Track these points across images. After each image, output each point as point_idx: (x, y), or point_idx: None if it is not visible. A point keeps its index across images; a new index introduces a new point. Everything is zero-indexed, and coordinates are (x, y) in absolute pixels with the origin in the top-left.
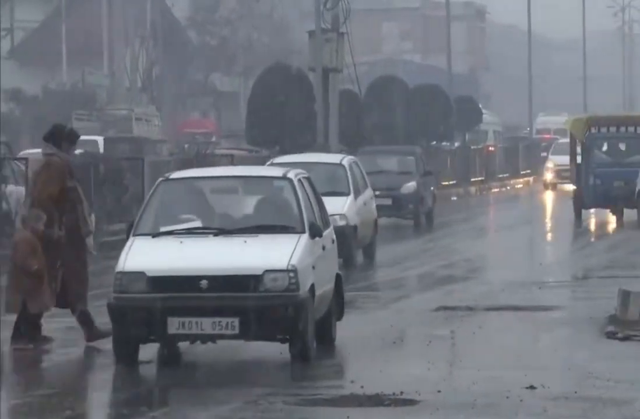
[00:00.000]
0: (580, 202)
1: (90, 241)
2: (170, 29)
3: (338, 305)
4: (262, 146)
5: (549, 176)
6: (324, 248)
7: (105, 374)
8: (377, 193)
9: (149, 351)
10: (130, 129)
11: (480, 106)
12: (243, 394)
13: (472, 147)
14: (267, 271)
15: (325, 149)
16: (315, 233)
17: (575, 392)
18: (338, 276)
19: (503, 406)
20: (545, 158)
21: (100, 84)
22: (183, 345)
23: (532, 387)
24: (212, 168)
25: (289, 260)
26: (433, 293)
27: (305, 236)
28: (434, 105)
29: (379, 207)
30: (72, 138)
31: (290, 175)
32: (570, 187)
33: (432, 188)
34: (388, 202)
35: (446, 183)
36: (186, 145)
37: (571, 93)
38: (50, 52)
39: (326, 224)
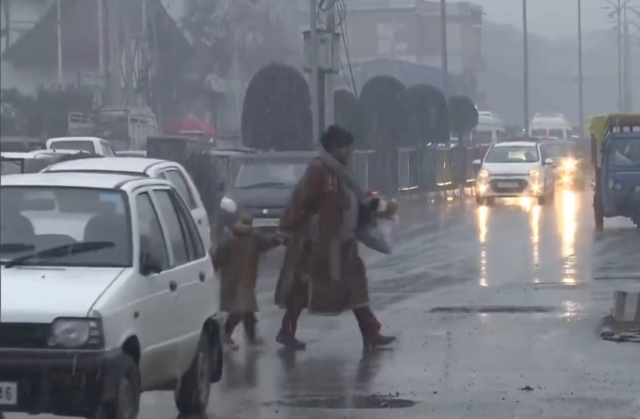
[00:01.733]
0: (602, 210)
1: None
2: (166, 30)
3: (211, 362)
4: (257, 147)
5: (482, 188)
6: (173, 287)
7: None
8: (265, 211)
9: None
10: (126, 130)
11: (475, 107)
12: (238, 395)
13: (468, 148)
14: (59, 318)
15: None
16: (148, 267)
17: (572, 393)
18: (212, 324)
19: (499, 407)
20: (478, 166)
21: (96, 85)
22: None
23: (528, 388)
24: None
25: (92, 305)
26: (428, 294)
27: (130, 272)
28: (429, 105)
29: (265, 229)
30: (344, 142)
31: (126, 187)
32: (514, 202)
33: None
34: (276, 223)
35: (441, 184)
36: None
37: (566, 94)
38: (45, 53)
39: (194, 254)
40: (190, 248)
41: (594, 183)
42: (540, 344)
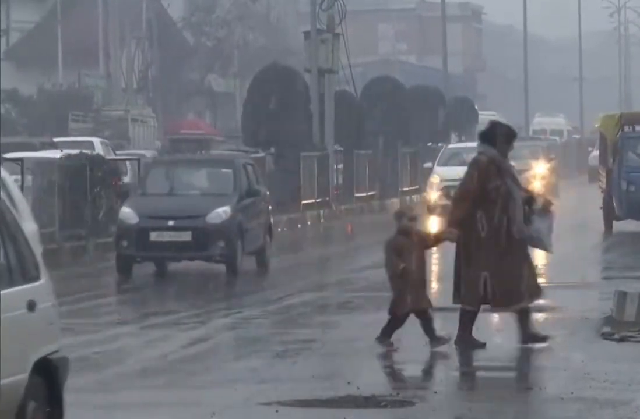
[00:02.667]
0: (611, 212)
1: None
2: (166, 30)
3: (46, 413)
4: (258, 147)
5: (433, 196)
6: None
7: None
8: (171, 223)
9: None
10: (126, 130)
11: (476, 107)
12: (238, 395)
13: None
14: None
15: (322, 149)
16: None
17: (572, 393)
18: (48, 365)
19: (498, 407)
20: (429, 170)
21: (96, 85)
22: (178, 345)
23: (528, 388)
24: None
25: None
26: (428, 294)
27: None
28: (429, 106)
29: (171, 244)
30: (508, 137)
31: None
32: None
33: (263, 216)
34: (186, 237)
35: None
36: (183, 146)
37: (567, 94)
38: (46, 53)
39: (21, 278)
40: (15, 270)
41: (603, 185)
42: (540, 344)
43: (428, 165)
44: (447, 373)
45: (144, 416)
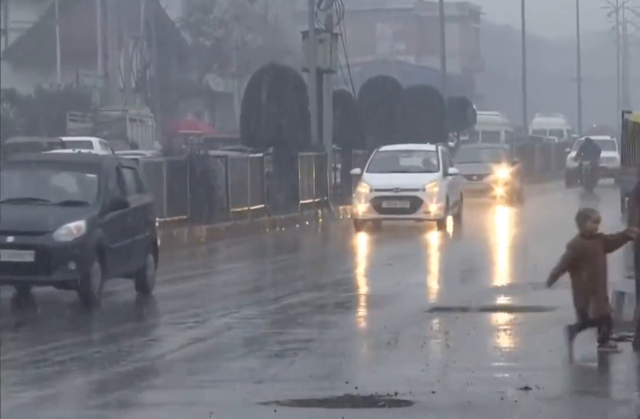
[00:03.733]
0: None
1: None
2: (164, 30)
3: None
4: (256, 147)
5: (361, 208)
6: None
7: None
8: (10, 239)
9: None
10: (124, 130)
11: (474, 107)
12: (236, 394)
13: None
14: None
15: (320, 149)
16: None
17: (570, 393)
18: None
19: (497, 407)
20: (357, 178)
21: (94, 85)
22: (177, 343)
23: (526, 388)
24: None
25: None
26: (427, 294)
27: None
28: (427, 105)
29: (9, 265)
30: None
31: None
32: (405, 226)
33: (143, 231)
34: (28, 257)
35: None
36: (183, 146)
37: (565, 94)
38: (44, 53)
39: None
40: None
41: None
42: (539, 343)
43: (356, 171)
44: (445, 373)
45: (143, 416)
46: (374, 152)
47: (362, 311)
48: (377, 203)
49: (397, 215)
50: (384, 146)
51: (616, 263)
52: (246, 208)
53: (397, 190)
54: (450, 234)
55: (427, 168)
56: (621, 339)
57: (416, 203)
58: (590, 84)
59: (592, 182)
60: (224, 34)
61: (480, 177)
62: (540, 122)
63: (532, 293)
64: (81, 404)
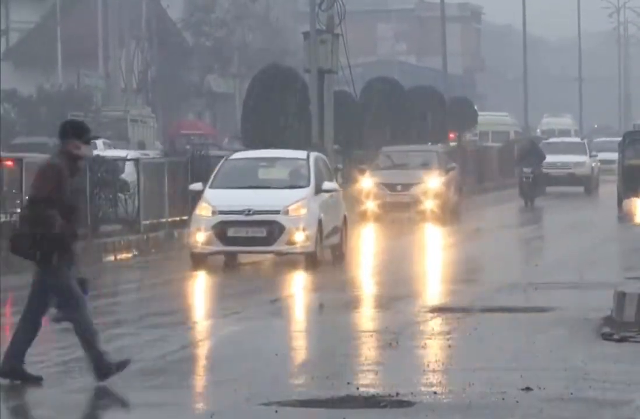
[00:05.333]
0: None
1: None
2: (166, 30)
3: None
4: (257, 147)
5: (200, 237)
6: None
7: None
8: None
9: None
10: (126, 131)
11: (475, 107)
12: (238, 395)
13: (468, 148)
14: None
15: (321, 150)
16: None
17: (571, 393)
18: None
19: (499, 407)
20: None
21: (96, 85)
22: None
23: (528, 388)
24: None
25: None
26: (428, 294)
27: None
28: (428, 106)
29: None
30: None
31: None
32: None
33: None
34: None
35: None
36: (187, 146)
37: (567, 94)
38: (45, 54)
39: None
40: None
41: None
42: (540, 344)
43: (195, 186)
44: (447, 373)
45: (144, 416)
46: (221, 162)
47: (364, 311)
48: (221, 231)
49: (249, 247)
50: (237, 153)
51: (616, 263)
52: None
53: (249, 212)
54: (318, 277)
55: (294, 183)
56: (623, 339)
57: (275, 230)
58: (592, 84)
59: (534, 193)
60: (225, 34)
61: (406, 187)
62: (549, 122)
63: (533, 293)
64: (81, 404)
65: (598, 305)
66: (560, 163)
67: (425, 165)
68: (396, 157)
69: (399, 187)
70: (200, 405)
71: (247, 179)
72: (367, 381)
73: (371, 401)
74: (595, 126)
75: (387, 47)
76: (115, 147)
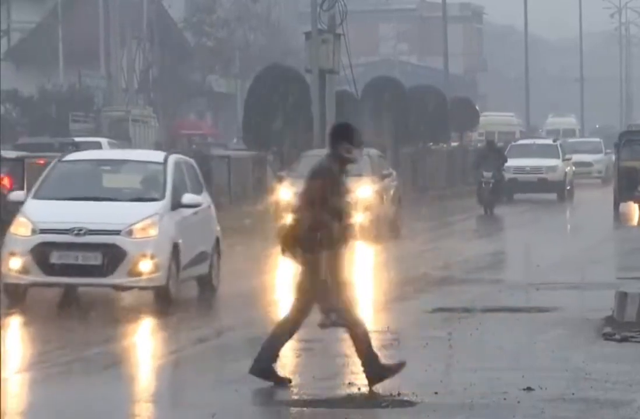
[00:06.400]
0: None
1: None
2: (167, 30)
3: None
4: (259, 147)
5: (14, 264)
6: None
7: None
8: None
9: None
10: (127, 131)
11: (477, 107)
12: (239, 395)
13: (470, 148)
14: None
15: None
16: None
17: (573, 393)
18: None
19: (500, 407)
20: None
21: (97, 86)
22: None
23: (529, 388)
24: None
25: None
26: (430, 294)
27: None
28: (430, 106)
29: None
30: None
31: None
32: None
33: None
34: None
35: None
36: (194, 146)
37: (568, 94)
38: (46, 54)
39: None
40: None
41: None
42: (542, 344)
43: (16, 196)
44: (448, 373)
45: (144, 416)
46: (53, 162)
47: (364, 312)
48: (42, 256)
49: (78, 277)
50: (72, 153)
51: (616, 263)
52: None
53: (79, 232)
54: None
55: (143, 194)
56: (624, 339)
57: (114, 256)
58: (593, 84)
59: (494, 201)
60: (227, 34)
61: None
62: (553, 122)
63: (535, 293)
64: (82, 404)
65: (599, 305)
66: (530, 167)
67: (355, 172)
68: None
69: None
70: (200, 405)
71: (83, 188)
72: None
73: (373, 401)
74: (597, 126)
75: (388, 47)
76: (120, 147)
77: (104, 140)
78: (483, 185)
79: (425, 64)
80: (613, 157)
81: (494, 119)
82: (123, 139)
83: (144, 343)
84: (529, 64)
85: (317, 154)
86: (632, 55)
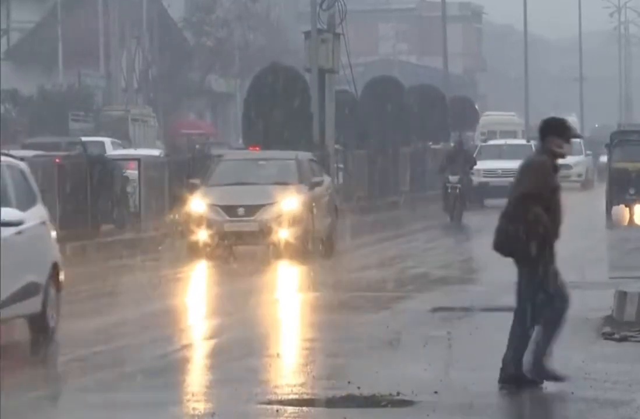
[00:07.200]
0: None
1: None
2: (167, 30)
3: None
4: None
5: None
6: None
7: None
8: None
9: None
10: (127, 130)
11: (476, 107)
12: (239, 395)
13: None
14: None
15: (322, 149)
16: None
17: (572, 393)
18: None
19: (500, 407)
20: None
21: (97, 85)
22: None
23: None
24: None
25: None
26: (429, 294)
27: None
28: (429, 105)
29: None
30: None
31: None
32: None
33: None
34: None
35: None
36: (197, 146)
37: (567, 94)
38: (46, 53)
39: None
40: None
41: None
42: None
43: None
44: (448, 372)
45: (144, 416)
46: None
47: (364, 311)
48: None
49: None
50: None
51: (617, 262)
52: None
53: None
54: None
55: None
56: (624, 339)
57: None
58: (593, 84)
59: (462, 208)
60: (226, 34)
61: (251, 210)
62: None
63: None
64: (82, 404)
65: (599, 304)
66: (502, 170)
67: (281, 180)
68: (239, 167)
69: (241, 211)
70: (200, 405)
71: None
72: (368, 381)
73: (372, 401)
74: (597, 126)
75: (388, 47)
76: (124, 147)
77: (107, 140)
78: (449, 190)
79: (424, 64)
80: (592, 159)
81: (496, 119)
82: (123, 139)
83: None
84: (529, 63)
85: (237, 158)
86: (631, 55)
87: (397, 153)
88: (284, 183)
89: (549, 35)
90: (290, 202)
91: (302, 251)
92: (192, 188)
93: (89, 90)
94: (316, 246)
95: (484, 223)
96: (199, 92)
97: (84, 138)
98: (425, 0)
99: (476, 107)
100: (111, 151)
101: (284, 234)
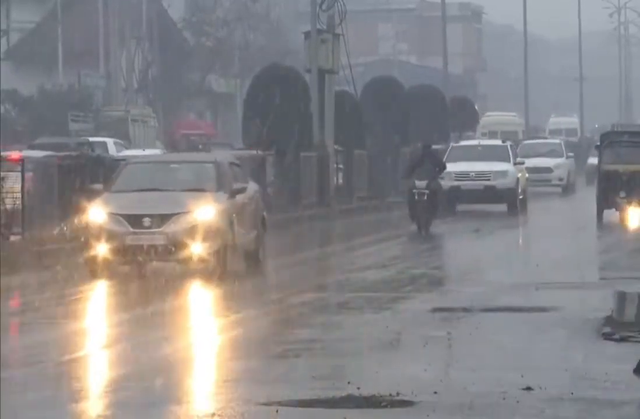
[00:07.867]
0: None
1: None
2: (166, 30)
3: None
4: (258, 147)
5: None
6: None
7: None
8: None
9: None
10: (127, 130)
11: (476, 107)
12: (238, 395)
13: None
14: None
15: (321, 149)
16: None
17: (572, 393)
18: None
19: (500, 407)
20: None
21: (96, 85)
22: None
23: (528, 388)
24: None
25: None
26: (429, 294)
27: None
28: (429, 105)
29: None
30: None
31: None
32: None
33: None
34: None
35: None
36: (200, 146)
37: (567, 94)
38: (46, 53)
39: None
40: None
41: None
42: (541, 344)
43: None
44: (447, 373)
45: (144, 416)
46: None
47: (363, 312)
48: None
49: None
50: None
51: (615, 263)
52: None
53: None
54: None
55: None
56: (623, 339)
57: None
58: (593, 84)
59: (431, 216)
60: (226, 34)
61: (159, 220)
62: (556, 122)
63: (534, 293)
64: (81, 404)
65: (598, 305)
66: (475, 172)
67: (196, 186)
68: (148, 171)
69: (146, 221)
70: (200, 405)
71: None
72: (368, 381)
73: (372, 401)
74: (596, 126)
75: (388, 47)
76: (126, 147)
77: (109, 140)
78: (416, 196)
79: (424, 64)
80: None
81: (497, 119)
82: (123, 139)
83: None
84: (529, 63)
85: (150, 161)
86: (631, 55)
87: (397, 154)
88: (199, 190)
89: (549, 35)
90: (205, 211)
91: (218, 269)
92: (94, 194)
93: (89, 90)
94: (237, 263)
95: (453, 234)
96: (199, 92)
97: (90, 139)
98: (425, 0)
99: (476, 107)
100: (114, 151)
101: (197, 249)
